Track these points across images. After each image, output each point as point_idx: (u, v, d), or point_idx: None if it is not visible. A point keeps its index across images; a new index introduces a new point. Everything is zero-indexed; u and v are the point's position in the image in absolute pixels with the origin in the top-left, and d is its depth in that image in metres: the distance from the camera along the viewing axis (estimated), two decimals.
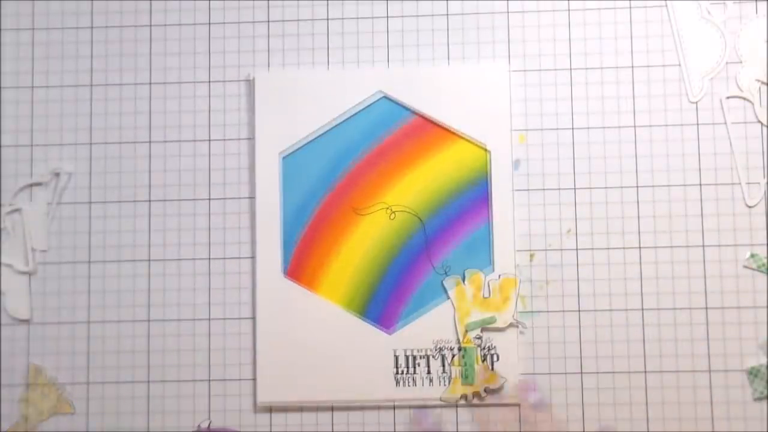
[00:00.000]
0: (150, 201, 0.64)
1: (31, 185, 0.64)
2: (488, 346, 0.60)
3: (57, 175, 0.64)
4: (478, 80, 0.62)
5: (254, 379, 0.61)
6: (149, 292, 0.63)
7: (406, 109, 0.63)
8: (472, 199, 0.62)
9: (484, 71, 0.63)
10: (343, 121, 0.63)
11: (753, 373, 0.60)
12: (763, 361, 0.60)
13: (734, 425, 0.60)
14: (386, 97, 0.63)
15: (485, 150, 0.62)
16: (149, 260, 0.63)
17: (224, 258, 0.63)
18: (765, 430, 0.60)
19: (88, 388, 0.62)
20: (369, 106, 0.63)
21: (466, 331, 0.60)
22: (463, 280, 0.61)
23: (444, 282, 0.61)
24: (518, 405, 0.60)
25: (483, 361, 0.60)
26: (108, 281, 0.63)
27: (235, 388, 0.62)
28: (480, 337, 0.60)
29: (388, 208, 0.62)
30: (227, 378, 0.62)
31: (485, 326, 0.60)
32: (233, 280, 0.63)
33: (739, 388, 0.60)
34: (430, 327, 0.61)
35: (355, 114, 0.63)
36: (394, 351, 0.61)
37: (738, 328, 0.60)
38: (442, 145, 0.62)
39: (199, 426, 0.61)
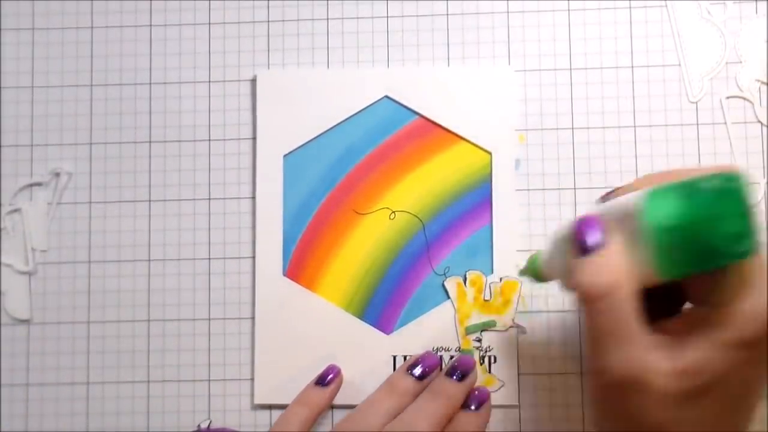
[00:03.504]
0: (150, 201, 0.64)
1: (31, 185, 0.64)
2: (486, 348, 0.60)
3: (57, 175, 0.64)
4: (479, 81, 0.62)
5: (252, 379, 0.61)
6: (149, 292, 0.63)
7: (408, 110, 0.63)
8: (473, 201, 0.62)
9: (485, 72, 0.63)
10: (345, 121, 0.63)
11: None
12: None
13: None
14: (388, 98, 0.63)
15: (487, 152, 0.62)
16: (149, 260, 0.63)
17: (224, 258, 0.63)
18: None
19: (88, 388, 0.62)
20: (371, 106, 0.63)
21: (466, 334, 0.60)
22: (465, 282, 0.61)
23: (445, 283, 0.61)
24: (518, 406, 0.60)
25: (481, 364, 0.60)
26: (108, 281, 0.63)
27: (235, 387, 0.62)
28: (480, 340, 0.60)
29: (388, 209, 0.62)
30: (227, 378, 0.62)
31: (485, 329, 0.60)
32: (233, 280, 0.63)
33: None
34: (429, 329, 0.61)
35: (357, 114, 0.63)
36: (393, 352, 0.61)
37: None
38: (444, 147, 0.62)
39: (199, 426, 0.61)
